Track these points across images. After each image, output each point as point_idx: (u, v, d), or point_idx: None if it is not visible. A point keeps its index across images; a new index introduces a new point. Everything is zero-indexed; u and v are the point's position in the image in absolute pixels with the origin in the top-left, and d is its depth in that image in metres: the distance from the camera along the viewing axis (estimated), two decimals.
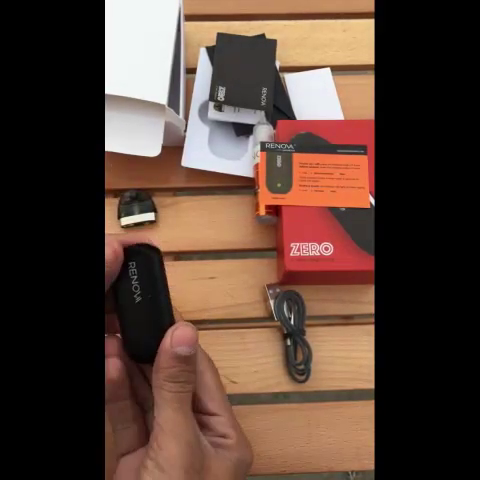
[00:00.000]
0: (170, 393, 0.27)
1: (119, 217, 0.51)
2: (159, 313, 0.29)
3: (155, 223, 0.52)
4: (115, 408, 0.30)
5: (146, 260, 0.29)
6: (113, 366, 0.29)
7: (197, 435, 0.28)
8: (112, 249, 0.28)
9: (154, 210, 0.51)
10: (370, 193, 0.47)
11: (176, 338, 0.27)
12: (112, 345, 0.29)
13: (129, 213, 0.51)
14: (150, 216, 0.51)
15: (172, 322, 0.29)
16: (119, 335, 0.30)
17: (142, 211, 0.51)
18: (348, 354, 0.48)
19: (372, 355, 0.48)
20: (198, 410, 0.31)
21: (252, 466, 0.32)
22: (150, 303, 0.28)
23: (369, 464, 0.45)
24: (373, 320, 0.49)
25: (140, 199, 0.51)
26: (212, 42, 0.56)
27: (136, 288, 0.28)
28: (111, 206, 0.52)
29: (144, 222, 0.51)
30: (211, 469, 0.27)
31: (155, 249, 0.30)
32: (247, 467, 0.31)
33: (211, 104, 0.53)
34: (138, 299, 0.28)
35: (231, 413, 0.31)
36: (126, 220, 0.51)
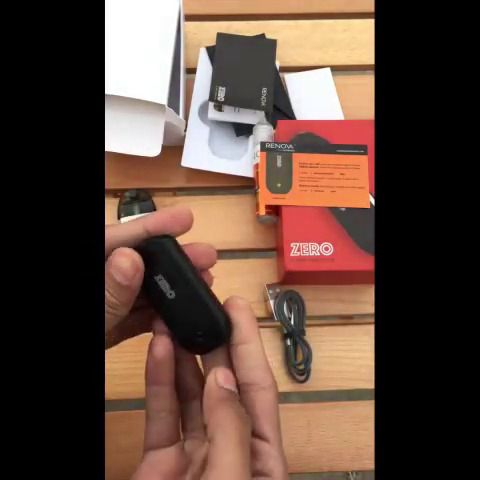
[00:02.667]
0: (235, 430, 0.23)
1: (119, 217, 0.51)
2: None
3: None
4: (151, 391, 0.28)
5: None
6: (160, 344, 0.27)
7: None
8: (130, 261, 0.25)
9: (154, 210, 0.51)
10: (370, 193, 0.47)
11: (221, 377, 0.25)
12: (162, 324, 0.27)
13: (129, 213, 0.51)
14: None
15: (217, 302, 0.27)
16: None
17: (142, 211, 0.51)
18: (348, 354, 0.48)
19: (372, 355, 0.48)
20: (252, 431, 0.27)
21: None
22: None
23: (369, 464, 0.45)
24: (373, 320, 0.49)
25: (140, 199, 0.51)
26: (212, 42, 0.56)
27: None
28: (111, 206, 0.52)
29: None
30: None
31: (166, 237, 0.27)
32: None
33: (211, 104, 0.53)
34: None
35: (281, 441, 0.27)
36: (126, 220, 0.51)
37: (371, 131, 0.48)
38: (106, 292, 0.26)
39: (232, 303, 0.27)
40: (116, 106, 0.47)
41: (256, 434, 0.26)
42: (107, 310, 0.26)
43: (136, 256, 0.26)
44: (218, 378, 0.25)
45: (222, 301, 0.28)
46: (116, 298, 0.26)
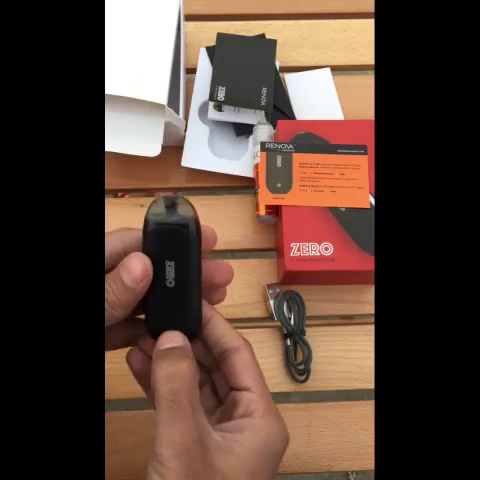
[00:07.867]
0: (163, 386, 0.26)
1: None
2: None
3: None
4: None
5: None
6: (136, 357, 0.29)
7: (198, 433, 0.25)
8: (142, 265, 0.26)
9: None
10: (370, 193, 0.47)
11: (161, 342, 0.27)
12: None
13: None
14: None
15: (199, 300, 0.28)
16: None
17: None
18: (348, 354, 0.48)
19: (372, 355, 0.48)
20: (230, 386, 0.29)
21: None
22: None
23: (369, 464, 0.45)
24: (373, 320, 0.49)
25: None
26: (212, 42, 0.56)
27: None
28: (111, 206, 0.52)
29: None
30: (217, 467, 0.25)
31: (193, 219, 0.26)
32: (279, 446, 0.28)
33: (211, 104, 0.53)
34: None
35: (264, 386, 0.29)
36: None
37: (371, 131, 0.48)
38: (108, 287, 0.26)
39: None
40: (116, 106, 0.47)
41: (236, 386, 0.29)
42: (105, 307, 0.26)
43: (148, 263, 0.27)
44: (158, 343, 0.27)
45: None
46: (117, 298, 0.26)
